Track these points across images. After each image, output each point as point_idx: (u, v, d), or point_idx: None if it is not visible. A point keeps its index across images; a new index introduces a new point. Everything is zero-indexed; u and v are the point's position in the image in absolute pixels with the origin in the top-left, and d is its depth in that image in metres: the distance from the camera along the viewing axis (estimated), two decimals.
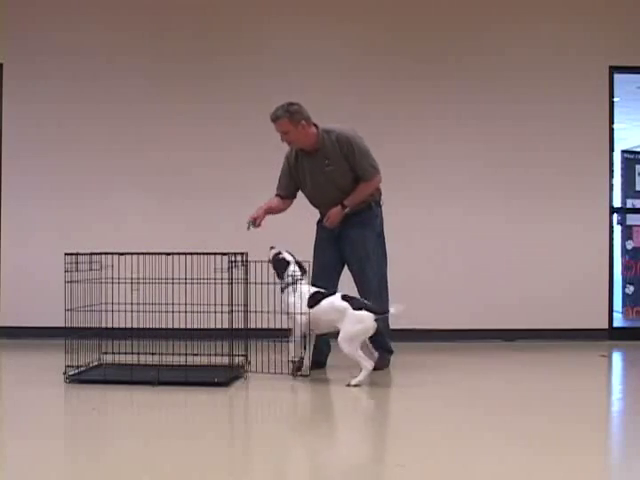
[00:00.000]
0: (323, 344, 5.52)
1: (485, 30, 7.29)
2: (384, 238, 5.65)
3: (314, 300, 5.11)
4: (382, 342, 5.51)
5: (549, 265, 7.22)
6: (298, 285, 5.17)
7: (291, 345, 5.15)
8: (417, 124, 7.24)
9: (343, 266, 5.60)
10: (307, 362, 5.24)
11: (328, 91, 7.17)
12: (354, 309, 4.95)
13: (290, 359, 5.22)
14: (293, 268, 5.22)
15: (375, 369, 5.21)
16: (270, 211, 5.57)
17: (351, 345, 4.92)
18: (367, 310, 4.95)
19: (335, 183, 5.41)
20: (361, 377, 4.92)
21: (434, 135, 7.24)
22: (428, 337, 6.94)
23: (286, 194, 5.64)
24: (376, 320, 4.95)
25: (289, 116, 5.28)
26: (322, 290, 5.19)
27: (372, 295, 5.30)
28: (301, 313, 5.06)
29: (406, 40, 7.24)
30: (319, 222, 5.65)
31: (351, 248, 5.49)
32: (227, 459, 3.55)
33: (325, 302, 5.08)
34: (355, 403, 4.76)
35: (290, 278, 5.18)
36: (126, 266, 5.13)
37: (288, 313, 5.15)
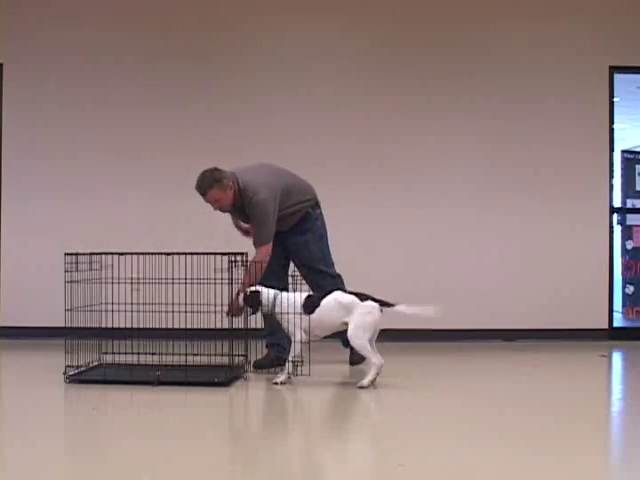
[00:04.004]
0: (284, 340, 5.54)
1: (485, 30, 7.28)
2: (327, 239, 5.66)
3: (311, 303, 5.04)
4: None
5: (549, 265, 7.21)
6: (283, 294, 5.11)
7: (296, 346, 5.04)
8: (419, 124, 7.23)
9: (289, 263, 5.62)
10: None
11: (329, 92, 7.18)
12: (361, 300, 4.91)
13: (290, 359, 5.21)
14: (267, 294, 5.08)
15: (352, 364, 5.38)
16: None
17: (362, 338, 4.84)
18: (373, 301, 4.90)
19: None
20: (371, 375, 4.86)
21: (434, 135, 7.23)
22: (428, 337, 6.92)
23: None
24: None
25: (218, 185, 5.27)
26: (312, 293, 5.15)
27: (327, 283, 5.42)
28: (293, 313, 4.98)
29: (408, 40, 7.23)
30: None
31: (295, 254, 5.57)
32: (227, 459, 3.55)
33: (326, 301, 5.03)
34: (354, 403, 4.76)
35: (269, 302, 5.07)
36: (126, 266, 5.13)
37: (282, 316, 5.05)
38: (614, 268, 7.47)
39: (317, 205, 5.66)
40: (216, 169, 5.32)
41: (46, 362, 5.72)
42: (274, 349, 5.54)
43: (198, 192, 5.31)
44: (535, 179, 7.24)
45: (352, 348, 5.36)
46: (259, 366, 5.46)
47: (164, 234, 6.94)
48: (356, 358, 5.44)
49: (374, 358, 4.88)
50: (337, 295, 5.03)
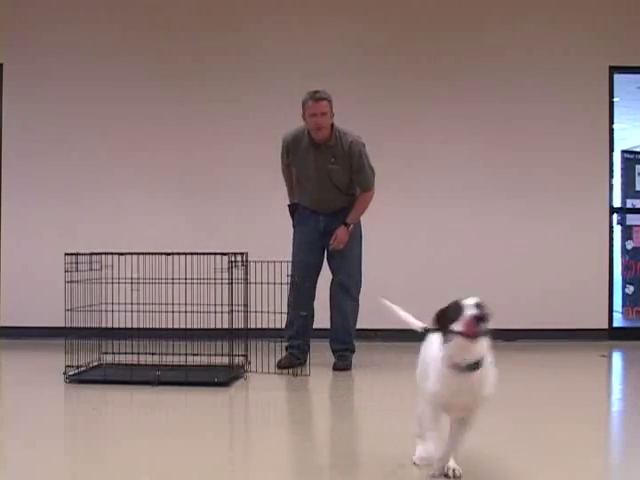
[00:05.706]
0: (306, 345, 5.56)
1: (485, 30, 7.28)
2: (362, 236, 5.69)
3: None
4: (346, 340, 5.53)
5: (549, 265, 7.21)
6: None
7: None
8: (418, 124, 7.23)
9: (322, 266, 5.63)
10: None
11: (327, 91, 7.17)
12: None
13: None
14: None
15: (338, 369, 5.32)
16: None
17: None
18: None
19: (334, 180, 5.47)
20: None
21: (434, 135, 7.23)
22: None
23: None
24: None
25: (330, 101, 5.42)
26: None
27: (354, 285, 5.51)
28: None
29: (405, 40, 7.24)
30: (295, 225, 5.68)
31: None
32: (227, 459, 3.55)
33: None
34: (355, 403, 4.76)
35: None
36: (126, 266, 5.13)
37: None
38: (614, 268, 7.47)
39: None
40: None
41: (46, 362, 5.72)
42: (297, 350, 5.49)
43: (314, 97, 5.37)
44: (535, 179, 7.24)
45: (334, 352, 5.36)
46: (283, 366, 5.42)
47: (164, 234, 6.95)
48: (341, 364, 5.42)
49: None
50: None
